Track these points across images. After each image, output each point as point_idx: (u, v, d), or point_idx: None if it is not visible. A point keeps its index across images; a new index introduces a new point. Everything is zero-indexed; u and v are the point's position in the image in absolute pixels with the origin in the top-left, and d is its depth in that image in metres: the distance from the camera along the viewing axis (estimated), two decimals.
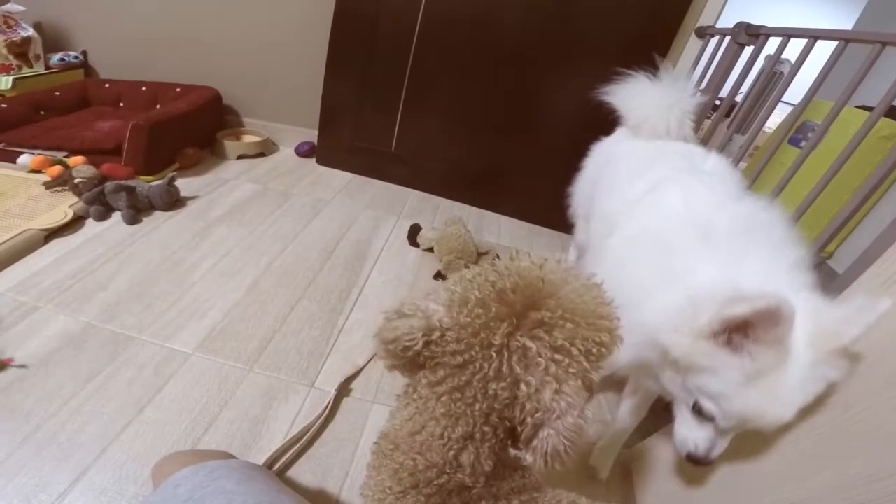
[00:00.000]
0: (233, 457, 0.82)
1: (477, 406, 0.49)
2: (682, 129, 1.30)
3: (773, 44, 1.50)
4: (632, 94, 1.38)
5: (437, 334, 0.51)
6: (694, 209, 0.88)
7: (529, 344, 0.47)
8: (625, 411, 1.11)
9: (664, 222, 0.89)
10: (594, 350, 0.49)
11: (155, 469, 0.78)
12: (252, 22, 2.38)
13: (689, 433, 0.76)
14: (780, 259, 0.73)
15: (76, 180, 1.73)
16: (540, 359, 0.47)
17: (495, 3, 1.98)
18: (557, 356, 0.47)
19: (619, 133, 1.47)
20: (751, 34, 1.53)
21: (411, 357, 0.52)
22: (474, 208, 2.43)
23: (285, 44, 2.41)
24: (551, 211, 2.26)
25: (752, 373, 0.64)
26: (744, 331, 0.64)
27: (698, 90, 1.38)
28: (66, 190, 1.76)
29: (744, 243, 0.76)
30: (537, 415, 0.47)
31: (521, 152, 2.29)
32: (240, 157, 2.43)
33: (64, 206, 1.67)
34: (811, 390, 0.66)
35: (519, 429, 0.49)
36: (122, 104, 2.49)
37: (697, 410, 0.73)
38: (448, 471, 0.52)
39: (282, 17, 2.34)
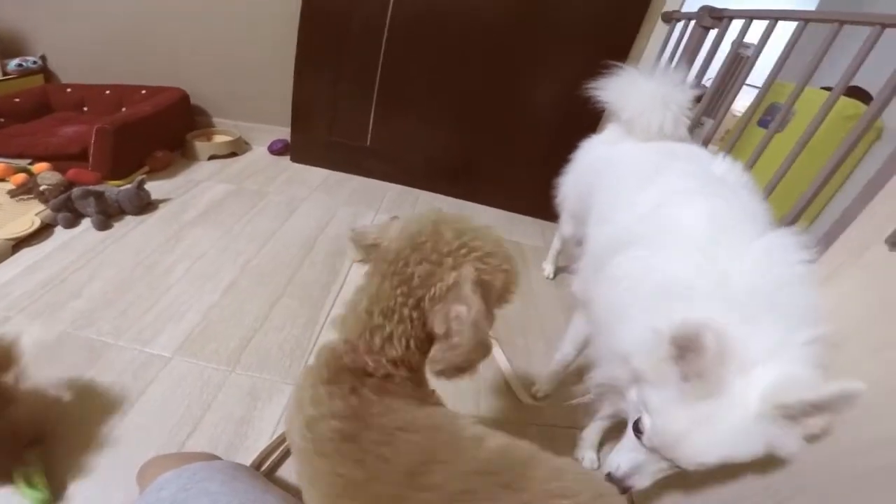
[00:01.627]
0: (217, 458, 0.81)
1: (399, 290, 0.59)
2: (678, 126, 1.22)
3: (736, 27, 1.52)
4: (623, 90, 1.30)
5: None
6: (715, 246, 0.78)
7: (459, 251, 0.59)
8: (570, 340, 1.17)
9: (678, 257, 0.80)
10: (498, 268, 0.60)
11: (139, 473, 0.77)
12: (218, 19, 2.33)
13: (617, 455, 0.78)
14: (798, 331, 0.67)
15: (41, 187, 1.69)
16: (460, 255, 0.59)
17: None
18: (478, 262, 0.59)
19: (612, 132, 1.39)
20: (714, 17, 1.56)
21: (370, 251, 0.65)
22: (454, 199, 2.43)
23: (253, 41, 2.37)
24: (530, 199, 2.29)
25: (686, 394, 0.65)
26: (686, 358, 0.65)
27: (692, 82, 1.32)
28: (31, 198, 1.71)
29: (764, 307, 0.69)
30: (440, 284, 0.57)
31: (498, 142, 2.30)
32: (211, 157, 2.39)
33: (31, 214, 1.62)
34: (744, 444, 0.64)
35: (427, 304, 0.58)
36: (86, 108, 2.43)
37: (637, 428, 0.74)
38: (362, 347, 0.61)
39: (248, 14, 2.30)
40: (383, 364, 0.60)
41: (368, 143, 2.40)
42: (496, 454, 0.53)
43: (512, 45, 2.06)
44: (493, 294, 0.60)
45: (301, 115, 2.39)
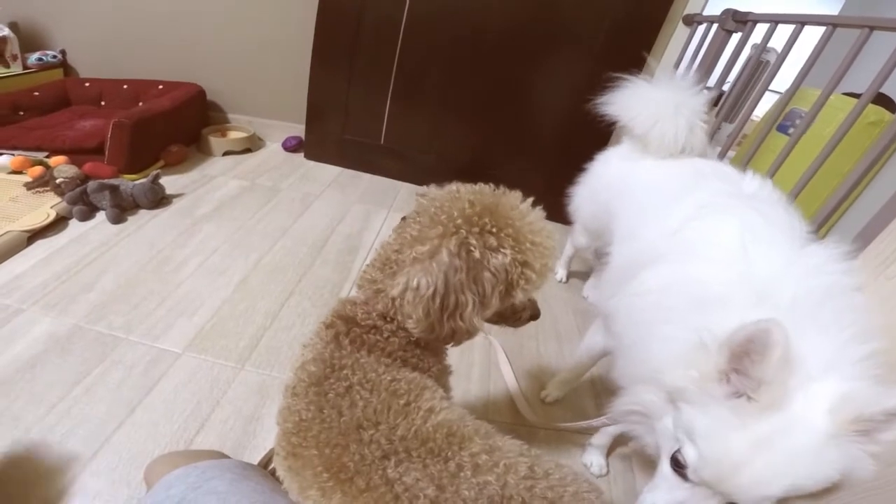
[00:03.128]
0: (226, 456, 0.80)
1: (395, 246, 0.61)
2: (694, 134, 1.16)
3: (759, 31, 1.49)
4: (631, 101, 1.25)
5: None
6: (757, 258, 0.73)
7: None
8: (586, 350, 1.12)
9: (715, 268, 0.75)
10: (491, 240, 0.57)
11: (147, 471, 0.77)
12: (235, 16, 2.34)
13: (652, 496, 0.67)
14: (851, 346, 0.61)
15: (58, 180, 1.70)
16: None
17: None
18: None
19: (629, 147, 1.32)
20: (738, 21, 1.53)
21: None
22: None
23: (270, 37, 2.38)
24: (541, 200, 2.24)
25: (740, 412, 0.57)
26: (742, 368, 0.58)
27: (703, 85, 1.26)
28: (47, 190, 1.72)
29: (812, 320, 0.62)
30: (419, 248, 0.56)
31: (511, 142, 2.28)
32: (226, 153, 2.40)
33: (46, 206, 1.63)
34: (817, 469, 0.55)
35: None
36: (103, 103, 2.45)
37: (676, 463, 0.64)
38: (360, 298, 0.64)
39: (266, 10, 2.31)
40: (372, 316, 0.61)
41: (382, 141, 2.40)
42: (439, 427, 0.54)
43: (528, 46, 2.04)
44: (484, 274, 0.56)
45: (316, 113, 2.39)
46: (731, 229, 0.79)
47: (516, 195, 0.63)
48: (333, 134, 2.43)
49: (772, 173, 1.31)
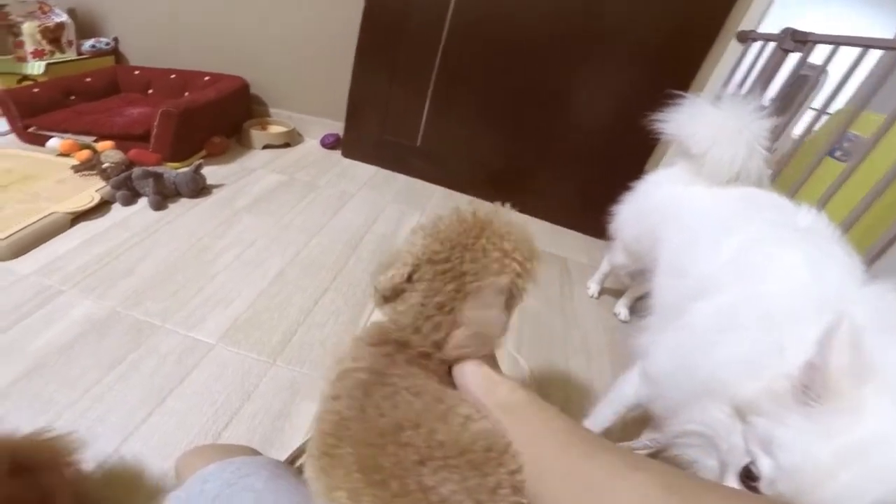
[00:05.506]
0: (258, 452, 0.80)
1: (451, 285, 0.60)
2: (752, 159, 1.12)
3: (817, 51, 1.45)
4: (689, 120, 1.22)
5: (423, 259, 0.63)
6: (824, 280, 0.73)
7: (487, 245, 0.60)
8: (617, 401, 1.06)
9: (784, 285, 0.75)
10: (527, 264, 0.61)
11: (180, 462, 0.77)
12: (282, 12, 2.37)
13: None
14: None
15: (104, 165, 1.74)
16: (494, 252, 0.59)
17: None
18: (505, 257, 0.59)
19: (682, 171, 1.28)
20: (797, 40, 1.48)
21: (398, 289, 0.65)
22: None
23: (315, 34, 2.40)
24: (576, 213, 2.24)
25: (819, 419, 0.54)
26: (818, 376, 0.56)
27: (767, 110, 1.22)
28: (93, 174, 1.76)
29: (887, 335, 0.60)
30: (476, 283, 0.58)
31: (547, 152, 2.25)
32: (265, 146, 2.43)
33: (91, 190, 1.67)
34: None
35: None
36: (151, 91, 2.50)
37: (748, 475, 0.60)
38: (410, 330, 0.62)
39: (312, 8, 2.33)
40: (426, 344, 0.61)
41: (419, 143, 2.39)
42: (476, 435, 0.52)
43: (573, 56, 2.01)
44: (514, 301, 0.61)
45: (355, 112, 2.40)
46: (795, 256, 0.78)
47: (502, 209, 0.66)
48: (371, 133, 2.43)
49: (824, 202, 1.26)
